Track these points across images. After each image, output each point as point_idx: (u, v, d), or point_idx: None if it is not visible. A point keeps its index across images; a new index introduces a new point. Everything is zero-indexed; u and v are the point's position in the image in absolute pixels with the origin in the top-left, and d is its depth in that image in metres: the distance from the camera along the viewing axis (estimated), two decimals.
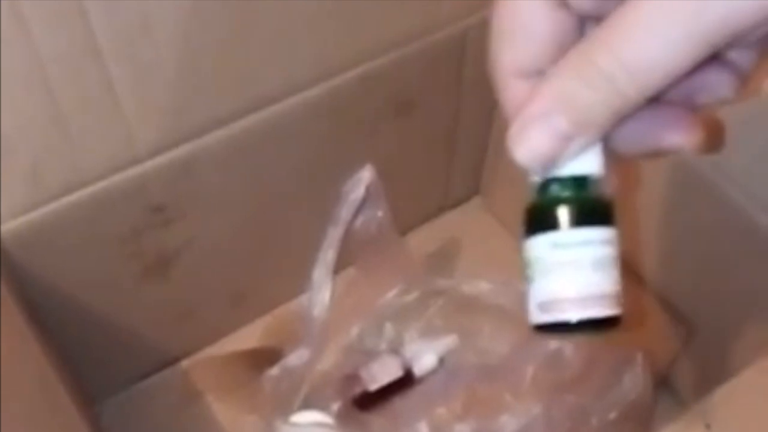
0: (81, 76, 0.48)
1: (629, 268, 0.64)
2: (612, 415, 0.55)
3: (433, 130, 0.71)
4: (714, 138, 0.43)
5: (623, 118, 0.31)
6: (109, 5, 0.46)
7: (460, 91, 0.68)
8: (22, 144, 0.49)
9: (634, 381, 0.55)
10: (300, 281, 0.62)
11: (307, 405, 0.63)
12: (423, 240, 0.77)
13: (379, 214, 0.61)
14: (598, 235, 0.33)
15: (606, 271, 0.33)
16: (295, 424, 0.60)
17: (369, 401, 0.64)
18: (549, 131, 0.31)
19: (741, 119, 0.52)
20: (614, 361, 0.56)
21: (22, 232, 0.52)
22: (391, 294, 0.66)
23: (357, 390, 0.64)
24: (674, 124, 0.34)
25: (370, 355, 0.65)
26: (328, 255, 0.59)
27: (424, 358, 0.66)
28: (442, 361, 0.66)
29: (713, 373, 0.60)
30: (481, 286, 0.65)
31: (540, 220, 0.34)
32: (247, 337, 0.71)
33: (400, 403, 0.64)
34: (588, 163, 0.33)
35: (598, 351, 0.57)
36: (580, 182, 0.33)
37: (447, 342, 0.66)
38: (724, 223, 0.54)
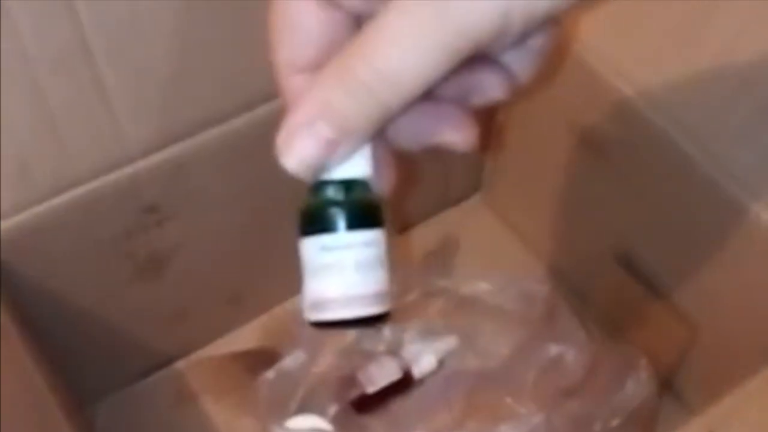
0: (71, 75, 0.47)
1: (630, 267, 0.63)
2: (615, 421, 0.54)
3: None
4: (487, 137, 0.43)
5: (387, 122, 0.33)
6: (98, 4, 0.45)
7: None
8: (11, 144, 0.48)
9: (638, 386, 0.55)
10: (296, 281, 0.61)
11: (304, 407, 0.63)
12: (424, 237, 0.77)
13: None
14: (361, 238, 0.35)
15: (369, 271, 0.35)
16: (289, 429, 0.59)
17: (367, 404, 0.63)
18: (314, 138, 0.32)
19: (746, 117, 0.52)
20: (617, 366, 0.56)
21: (11, 234, 0.52)
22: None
23: (355, 392, 0.63)
24: (449, 122, 0.37)
25: (368, 356, 0.65)
26: None
27: (423, 360, 0.65)
28: (441, 362, 0.65)
29: (718, 377, 0.59)
30: (481, 287, 0.65)
31: (310, 223, 0.36)
32: (244, 338, 0.71)
33: (398, 405, 0.64)
34: (355, 166, 0.35)
35: (601, 356, 0.56)
36: (347, 186, 0.35)
37: (446, 343, 0.66)
38: (730, 224, 0.54)
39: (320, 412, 0.61)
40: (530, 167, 0.72)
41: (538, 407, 0.54)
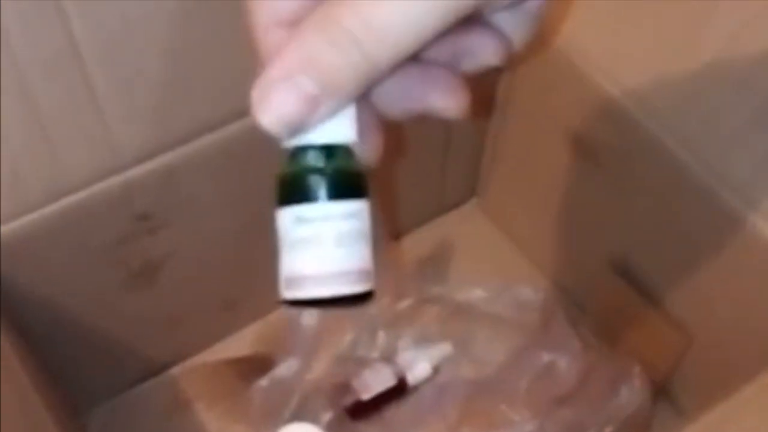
0: (62, 82, 0.47)
1: (626, 274, 0.63)
2: (609, 429, 0.54)
3: (428, 132, 0.70)
4: (481, 106, 0.41)
5: (374, 81, 0.30)
6: (89, 10, 0.45)
7: None
8: (3, 153, 0.48)
9: (632, 393, 0.55)
10: None
11: (298, 414, 0.63)
12: (419, 243, 0.77)
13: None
14: (342, 209, 0.33)
15: (350, 246, 0.33)
16: None
17: (361, 411, 0.63)
18: (294, 94, 0.30)
19: (740, 124, 0.52)
20: (611, 374, 0.55)
21: (3, 242, 0.51)
22: (384, 301, 0.65)
23: (349, 399, 0.63)
24: (439, 87, 0.34)
25: (363, 363, 0.65)
26: None
27: (418, 367, 0.65)
28: (436, 369, 0.65)
29: (713, 385, 0.59)
30: (476, 293, 0.65)
31: (286, 192, 0.33)
32: (238, 345, 0.70)
33: (393, 412, 0.63)
34: (339, 130, 0.32)
35: (595, 364, 0.56)
36: (328, 152, 0.33)
37: (441, 350, 0.66)
38: (724, 232, 0.53)
39: (314, 419, 0.61)
40: (526, 173, 0.72)
41: (532, 414, 0.54)
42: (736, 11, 0.53)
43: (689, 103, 0.54)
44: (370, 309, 0.64)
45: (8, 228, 0.51)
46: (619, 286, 0.64)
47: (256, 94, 0.30)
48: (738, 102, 0.52)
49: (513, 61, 0.36)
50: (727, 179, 0.52)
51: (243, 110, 0.54)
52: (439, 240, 0.77)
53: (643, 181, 0.58)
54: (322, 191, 0.32)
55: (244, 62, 0.51)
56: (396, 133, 0.60)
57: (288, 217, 0.33)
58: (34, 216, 0.51)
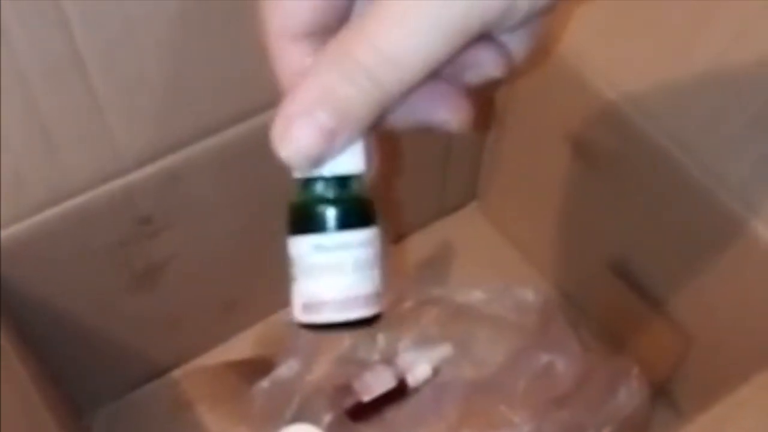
0: (64, 86, 0.47)
1: (625, 276, 0.63)
2: (607, 430, 0.54)
3: (429, 137, 0.70)
4: (481, 117, 0.42)
5: (387, 109, 0.31)
6: (91, 15, 0.45)
7: None
8: (6, 156, 0.48)
9: (630, 394, 0.55)
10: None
11: (299, 416, 0.63)
12: (420, 246, 0.77)
13: None
14: (358, 238, 0.34)
15: (365, 271, 0.34)
16: None
17: (362, 412, 0.63)
18: (312, 128, 0.31)
19: (739, 126, 0.52)
20: (609, 375, 0.55)
21: (6, 245, 0.52)
22: (385, 303, 0.65)
23: (350, 401, 0.63)
24: (443, 101, 0.35)
25: (363, 365, 0.65)
26: None
27: (418, 369, 0.65)
28: (436, 371, 0.65)
29: (713, 386, 0.59)
30: (476, 295, 0.65)
31: (302, 221, 0.35)
32: (239, 347, 0.71)
33: (393, 414, 0.64)
34: (350, 161, 0.33)
35: (593, 365, 0.56)
36: (342, 183, 0.34)
37: (441, 352, 0.66)
38: (723, 234, 0.54)
39: (315, 420, 0.61)
40: (526, 177, 0.72)
41: (530, 415, 0.54)
42: (734, 16, 0.53)
43: (688, 107, 0.54)
44: None
45: (10, 231, 0.51)
46: (619, 288, 0.64)
47: (276, 129, 0.31)
48: (736, 105, 0.52)
49: (514, 72, 0.36)
50: (725, 182, 0.52)
51: (244, 113, 0.55)
52: (440, 243, 0.77)
53: (643, 184, 0.58)
54: (338, 221, 0.34)
55: (246, 65, 0.52)
56: (393, 145, 0.60)
57: (305, 245, 0.34)
58: (35, 219, 0.52)
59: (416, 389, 0.65)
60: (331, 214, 0.34)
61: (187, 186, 0.56)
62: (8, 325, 0.52)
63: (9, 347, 0.50)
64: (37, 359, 0.57)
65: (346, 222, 0.34)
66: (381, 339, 0.66)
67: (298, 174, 0.34)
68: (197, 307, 0.67)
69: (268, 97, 0.54)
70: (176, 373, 0.70)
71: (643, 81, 0.56)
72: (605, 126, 0.58)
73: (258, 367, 0.65)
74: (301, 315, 0.35)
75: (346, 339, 0.65)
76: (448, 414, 0.59)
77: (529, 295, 0.62)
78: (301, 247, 0.34)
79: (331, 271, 0.34)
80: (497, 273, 0.74)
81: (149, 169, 0.53)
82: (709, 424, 0.42)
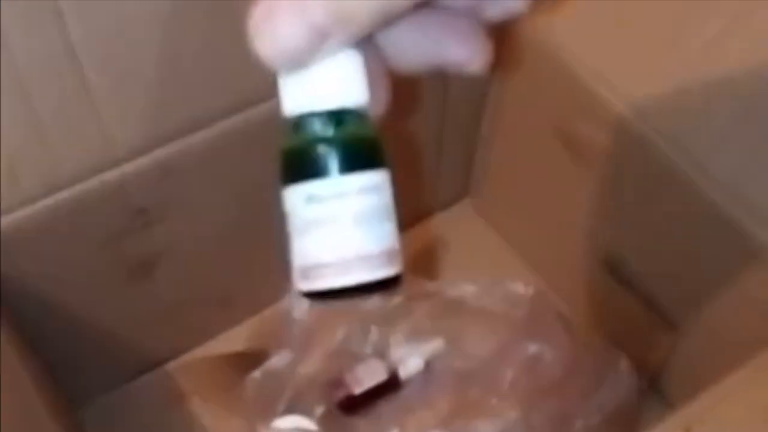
0: (57, 78, 0.48)
1: (615, 270, 0.63)
2: (596, 420, 0.54)
3: (421, 132, 0.71)
4: (504, 58, 0.37)
5: (391, 18, 0.27)
6: (84, 7, 0.46)
7: (447, 92, 0.68)
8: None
9: (618, 384, 0.55)
10: (286, 282, 0.62)
11: (291, 408, 0.63)
12: (412, 242, 0.77)
13: None
14: (359, 183, 0.29)
15: (372, 224, 0.29)
16: (276, 429, 0.59)
17: (353, 405, 0.63)
18: (299, 22, 0.26)
19: (728, 122, 0.52)
20: (598, 365, 0.56)
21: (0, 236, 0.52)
22: (377, 297, 0.66)
23: (341, 393, 0.63)
24: (459, 38, 0.31)
25: (356, 358, 0.65)
26: None
27: (410, 362, 0.65)
28: (428, 364, 0.65)
29: (702, 376, 0.59)
30: (467, 289, 0.65)
31: (293, 167, 0.29)
32: (233, 340, 0.71)
33: (385, 407, 0.64)
34: (349, 92, 0.29)
35: (581, 355, 0.56)
36: (339, 117, 0.29)
37: (433, 345, 0.66)
38: (712, 229, 0.54)
39: (307, 412, 0.62)
40: (518, 173, 0.73)
41: (518, 405, 0.54)
42: (722, 11, 0.54)
43: (677, 101, 0.54)
44: (363, 305, 0.65)
45: (3, 222, 0.51)
46: (609, 282, 0.64)
47: (256, 17, 0.27)
48: (725, 99, 0.53)
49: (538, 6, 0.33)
50: (714, 175, 0.53)
51: (237, 106, 0.55)
52: (432, 238, 0.77)
53: (633, 179, 0.59)
54: (334, 164, 0.28)
55: (239, 58, 0.52)
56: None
57: (297, 197, 0.29)
58: (29, 210, 0.52)
59: (408, 382, 0.65)
60: (326, 156, 0.29)
61: (180, 178, 0.56)
62: (2, 317, 0.52)
63: (3, 339, 0.50)
64: (30, 351, 0.57)
65: (345, 165, 0.29)
66: (373, 332, 0.66)
67: (286, 113, 0.30)
68: (191, 300, 0.67)
69: (262, 89, 0.55)
70: (170, 366, 0.71)
71: (633, 77, 0.56)
72: (596, 122, 0.59)
73: (252, 360, 0.65)
74: (299, 282, 0.30)
75: (339, 332, 0.66)
76: (437, 405, 0.60)
77: (519, 288, 0.62)
78: (293, 199, 0.29)
79: (328, 226, 0.29)
80: (489, 268, 0.75)
81: (142, 161, 0.54)
82: (692, 414, 0.43)
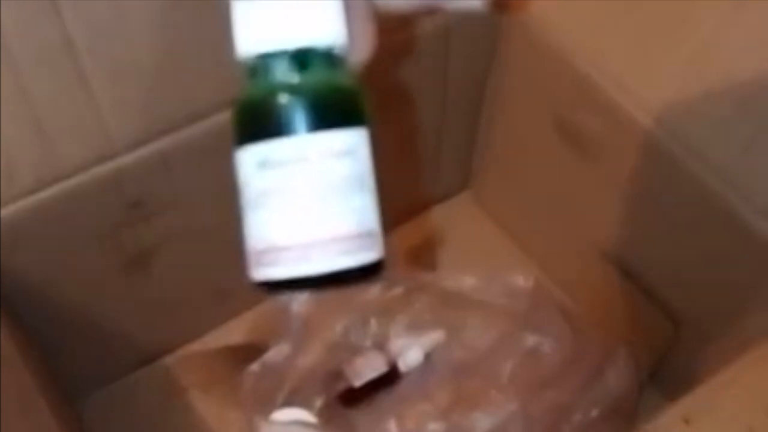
0: (54, 70, 0.48)
1: (616, 263, 0.63)
2: (595, 411, 0.54)
3: (421, 123, 0.70)
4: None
5: None
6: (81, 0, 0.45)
7: (447, 84, 0.68)
8: None
9: (618, 377, 0.55)
10: None
11: (291, 401, 0.63)
12: (412, 232, 0.77)
13: None
14: (328, 145, 0.22)
15: (344, 198, 0.22)
16: (275, 422, 0.59)
17: (353, 397, 0.63)
18: None
19: (728, 113, 0.52)
20: (597, 357, 0.56)
21: None
22: (376, 289, 0.65)
23: (341, 386, 0.63)
24: None
25: (355, 350, 0.65)
26: None
27: (410, 354, 0.65)
28: (428, 356, 0.65)
29: (702, 369, 0.59)
30: (467, 281, 0.65)
31: (247, 124, 0.23)
32: (233, 332, 0.71)
33: (384, 399, 0.64)
34: (319, 26, 0.22)
35: (581, 347, 0.56)
36: (306, 59, 0.22)
37: (433, 337, 0.66)
38: (713, 222, 0.54)
39: (307, 405, 0.62)
40: (518, 165, 0.73)
41: (517, 397, 0.54)
42: (719, 7, 0.53)
43: (677, 92, 0.54)
44: (363, 296, 0.65)
45: (1, 215, 0.51)
46: (609, 274, 0.64)
47: None
48: (724, 91, 0.53)
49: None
50: (714, 167, 0.52)
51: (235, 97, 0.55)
52: (432, 230, 0.77)
53: (633, 172, 0.58)
54: (298, 119, 0.22)
55: (236, 50, 0.52)
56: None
57: (250, 161, 0.23)
58: (26, 203, 0.52)
59: (408, 374, 0.65)
60: (285, 109, 0.22)
61: (178, 170, 0.56)
62: (1, 310, 0.52)
63: (2, 332, 0.50)
64: (29, 344, 0.57)
65: (310, 122, 0.22)
66: (373, 324, 0.66)
67: (242, 53, 0.23)
68: (190, 293, 0.67)
69: None
70: (168, 359, 0.71)
71: (633, 69, 0.56)
72: (596, 114, 0.58)
73: (250, 353, 0.65)
74: (253, 269, 0.24)
75: (338, 324, 0.65)
76: (436, 397, 0.60)
77: (519, 280, 0.62)
78: (246, 164, 0.23)
79: (286, 198, 0.22)
80: (489, 260, 0.75)
81: (140, 153, 0.53)
82: (691, 406, 0.43)
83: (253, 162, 0.23)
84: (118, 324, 0.65)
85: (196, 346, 0.71)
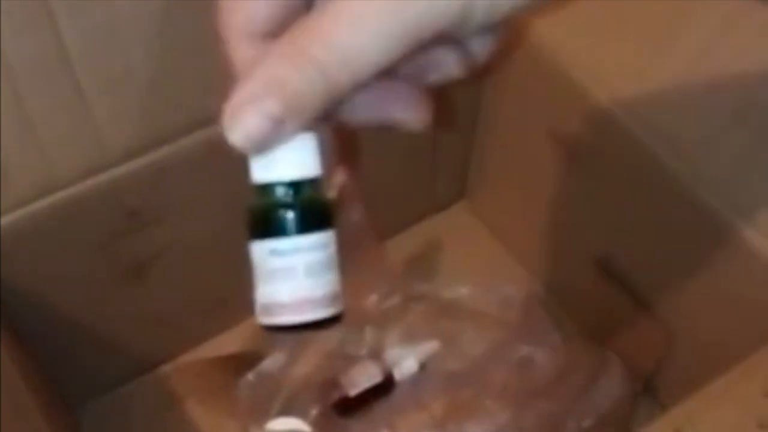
0: (50, 81, 0.48)
1: (610, 273, 0.63)
2: (588, 421, 0.54)
3: (417, 134, 0.70)
4: (442, 114, 0.41)
5: (337, 101, 0.32)
6: (77, 10, 0.46)
7: (443, 95, 0.68)
8: None
9: (611, 386, 0.55)
10: None
11: (286, 410, 0.63)
12: (409, 244, 0.77)
13: (355, 218, 0.60)
14: (311, 242, 0.35)
15: (319, 275, 0.35)
16: (270, 431, 0.59)
17: (348, 407, 0.64)
18: (260, 115, 0.31)
19: (720, 122, 0.52)
20: (591, 367, 0.56)
21: None
22: (372, 299, 0.66)
23: (336, 395, 0.63)
24: (402, 100, 0.36)
25: (351, 360, 0.65)
26: None
27: (405, 364, 0.65)
28: (423, 366, 0.65)
29: (696, 380, 0.59)
30: (462, 291, 0.65)
31: (258, 225, 0.36)
32: (229, 342, 0.71)
33: (379, 408, 0.64)
34: (305, 165, 0.34)
35: (574, 357, 0.56)
36: (297, 187, 0.35)
37: (428, 347, 0.66)
38: (705, 231, 0.54)
39: (302, 414, 0.62)
40: (513, 175, 0.73)
41: (510, 406, 0.54)
42: (714, 13, 0.54)
43: (670, 103, 0.54)
44: (359, 306, 0.65)
45: None
46: (604, 284, 0.64)
47: (226, 114, 0.32)
48: (717, 101, 0.53)
49: (476, 72, 0.37)
50: (707, 178, 0.53)
51: None
52: (429, 240, 0.77)
53: (626, 181, 0.59)
54: (292, 225, 0.35)
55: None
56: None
57: (262, 250, 0.35)
58: (23, 212, 0.52)
59: (403, 384, 0.65)
60: (285, 219, 0.35)
61: (174, 180, 0.56)
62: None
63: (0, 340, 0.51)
64: (25, 353, 0.57)
65: (301, 227, 0.35)
66: (368, 334, 0.66)
67: (253, 179, 0.35)
68: (187, 303, 0.67)
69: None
70: (165, 368, 0.71)
71: (626, 79, 0.56)
72: (590, 124, 0.59)
73: (246, 362, 0.65)
74: (261, 317, 0.36)
75: (334, 334, 0.66)
76: (430, 406, 0.60)
77: (512, 291, 0.62)
78: (258, 251, 0.36)
79: (285, 275, 0.35)
80: (485, 270, 0.75)
81: (136, 163, 0.54)
82: (683, 415, 0.43)
83: (265, 250, 0.35)
84: (114, 333, 0.65)
85: (193, 356, 0.71)
